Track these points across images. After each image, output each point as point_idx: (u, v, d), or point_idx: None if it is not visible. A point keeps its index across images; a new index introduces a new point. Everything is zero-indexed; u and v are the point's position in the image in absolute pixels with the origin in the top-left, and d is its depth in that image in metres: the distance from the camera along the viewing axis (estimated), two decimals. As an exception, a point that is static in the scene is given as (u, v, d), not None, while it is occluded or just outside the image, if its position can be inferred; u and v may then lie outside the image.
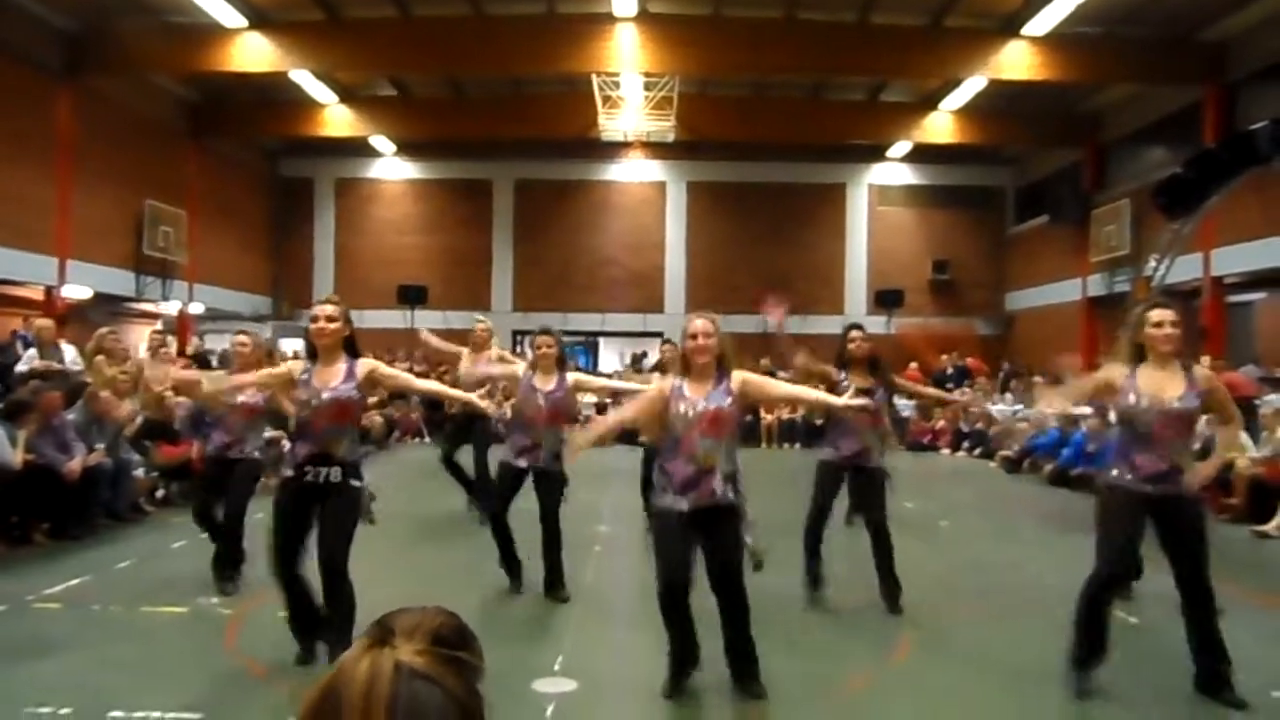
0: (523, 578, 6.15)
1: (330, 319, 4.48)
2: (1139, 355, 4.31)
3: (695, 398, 4.23)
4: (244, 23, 14.96)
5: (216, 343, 18.99)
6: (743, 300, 22.65)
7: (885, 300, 22.39)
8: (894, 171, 23.12)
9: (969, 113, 18.84)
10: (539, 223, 22.99)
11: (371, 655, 0.92)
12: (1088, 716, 4.14)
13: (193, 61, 15.90)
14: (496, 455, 8.18)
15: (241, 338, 6.54)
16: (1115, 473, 4.34)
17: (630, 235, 23.23)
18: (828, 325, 22.49)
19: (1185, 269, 14.38)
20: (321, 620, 4.50)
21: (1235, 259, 14.69)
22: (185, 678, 4.45)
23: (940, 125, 19.26)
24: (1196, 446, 5.23)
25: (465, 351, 8.97)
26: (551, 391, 6.04)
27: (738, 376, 4.33)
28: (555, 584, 6.03)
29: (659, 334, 22.41)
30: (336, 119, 19.57)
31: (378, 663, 0.91)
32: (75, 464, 7.54)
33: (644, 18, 15.30)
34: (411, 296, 21.26)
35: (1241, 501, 9.39)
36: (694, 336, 4.27)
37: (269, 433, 7.94)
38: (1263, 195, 12.77)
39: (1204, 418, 5.15)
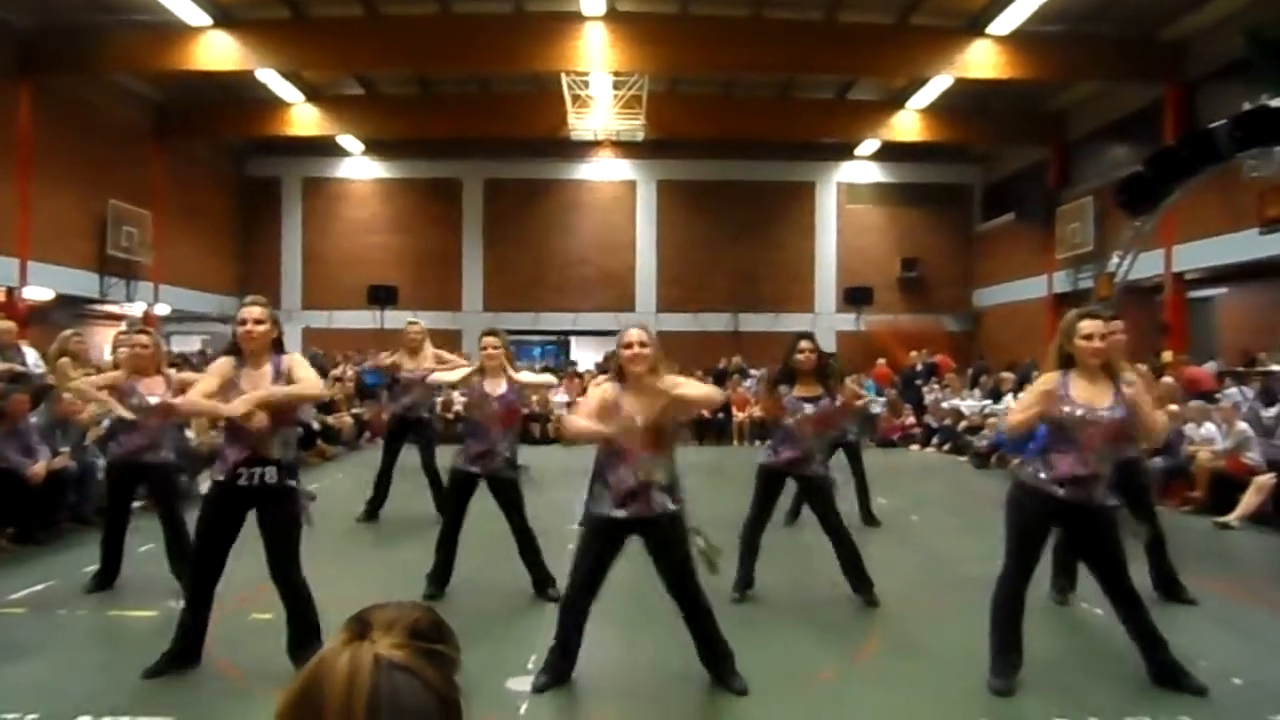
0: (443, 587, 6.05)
1: (258, 321, 4.45)
2: (1068, 363, 4.32)
3: (632, 409, 4.22)
4: (208, 21, 14.81)
5: (183, 345, 18.82)
6: (713, 299, 22.83)
7: (854, 298, 22.56)
8: (862, 170, 23.30)
9: (936, 111, 19.03)
10: (509, 222, 22.93)
11: (352, 649, 0.93)
12: (1050, 707, 4.21)
13: (156, 60, 15.72)
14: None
15: (142, 338, 6.12)
16: (1030, 469, 4.35)
17: (601, 234, 23.24)
18: (798, 323, 22.65)
19: (1147, 265, 14.61)
20: (196, 653, 4.46)
21: (1196, 255, 14.96)
22: (156, 681, 4.41)
23: (908, 124, 19.44)
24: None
25: (400, 354, 8.88)
26: (503, 395, 5.95)
27: (663, 390, 4.26)
28: (543, 584, 6.02)
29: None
30: (303, 118, 19.41)
31: (358, 656, 0.92)
32: (39, 467, 7.43)
33: (612, 17, 15.31)
34: (381, 297, 21.14)
35: (1203, 494, 9.55)
36: (629, 346, 4.23)
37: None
38: (1222, 193, 13.02)
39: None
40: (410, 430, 8.88)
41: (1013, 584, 4.41)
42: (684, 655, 4.76)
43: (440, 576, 6.00)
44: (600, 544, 4.31)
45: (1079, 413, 4.21)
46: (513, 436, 6.09)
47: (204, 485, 10.33)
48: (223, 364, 4.54)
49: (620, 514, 4.22)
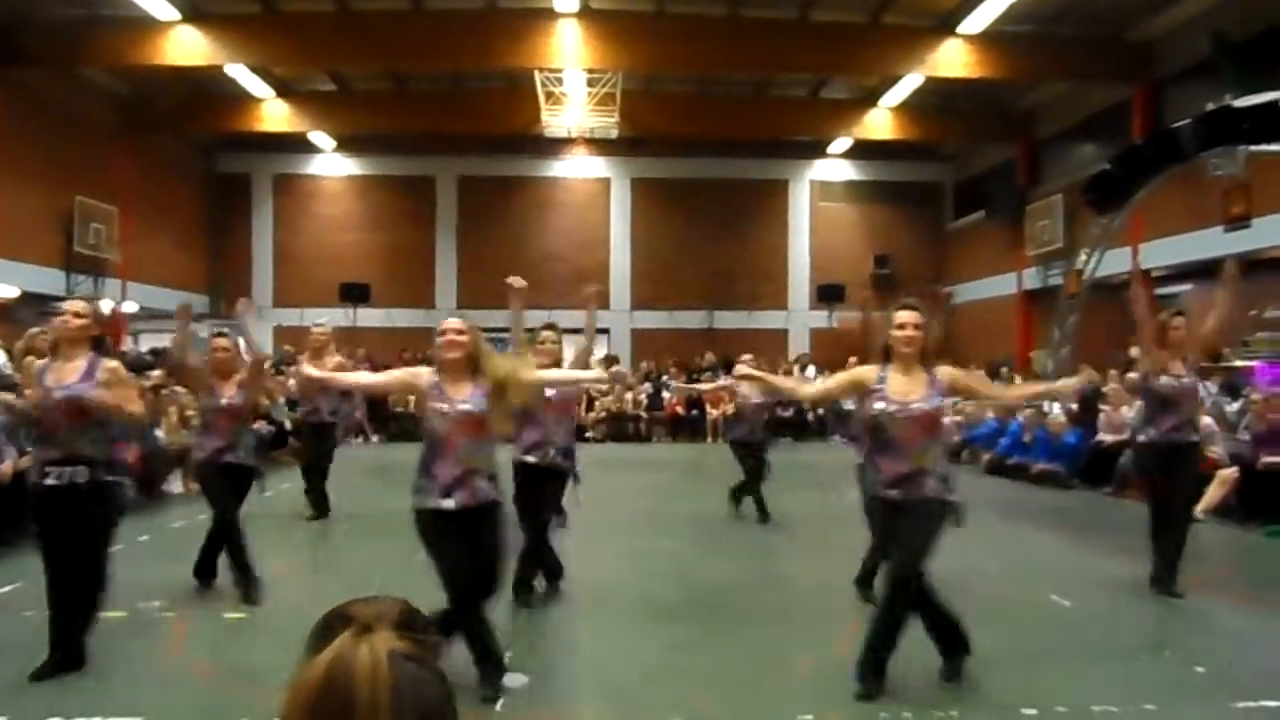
0: None
1: (77, 315, 4.54)
2: (888, 356, 4.36)
3: (456, 398, 4.23)
4: (177, 15, 14.64)
5: (153, 343, 18.60)
6: (687, 296, 22.87)
7: (827, 295, 22.69)
8: (835, 168, 23.43)
9: (907, 109, 19.17)
10: (483, 219, 22.84)
11: (367, 643, 0.94)
12: (1019, 697, 4.27)
13: (123, 55, 15.52)
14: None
15: (222, 340, 6.13)
16: (872, 478, 4.36)
17: (575, 232, 23.21)
18: (771, 320, 22.83)
19: (1115, 262, 14.80)
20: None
21: (1162, 252, 15.17)
22: (126, 682, 4.38)
23: (880, 122, 19.56)
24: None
25: (305, 357, 8.86)
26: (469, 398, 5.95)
27: (490, 370, 4.31)
28: (550, 576, 6.08)
29: (605, 330, 22.48)
30: (274, 114, 19.24)
31: (375, 650, 0.93)
32: (6, 467, 7.34)
33: (586, 13, 15.29)
34: (354, 294, 21.01)
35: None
36: (444, 333, 4.31)
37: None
38: (1187, 191, 13.22)
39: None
40: (314, 435, 8.93)
41: (897, 586, 4.37)
42: (660, 652, 4.79)
43: (549, 572, 6.08)
44: (440, 539, 4.21)
45: (892, 409, 4.23)
46: (568, 426, 6.11)
47: (174, 484, 10.29)
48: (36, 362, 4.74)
49: (448, 504, 4.19)
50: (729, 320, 22.68)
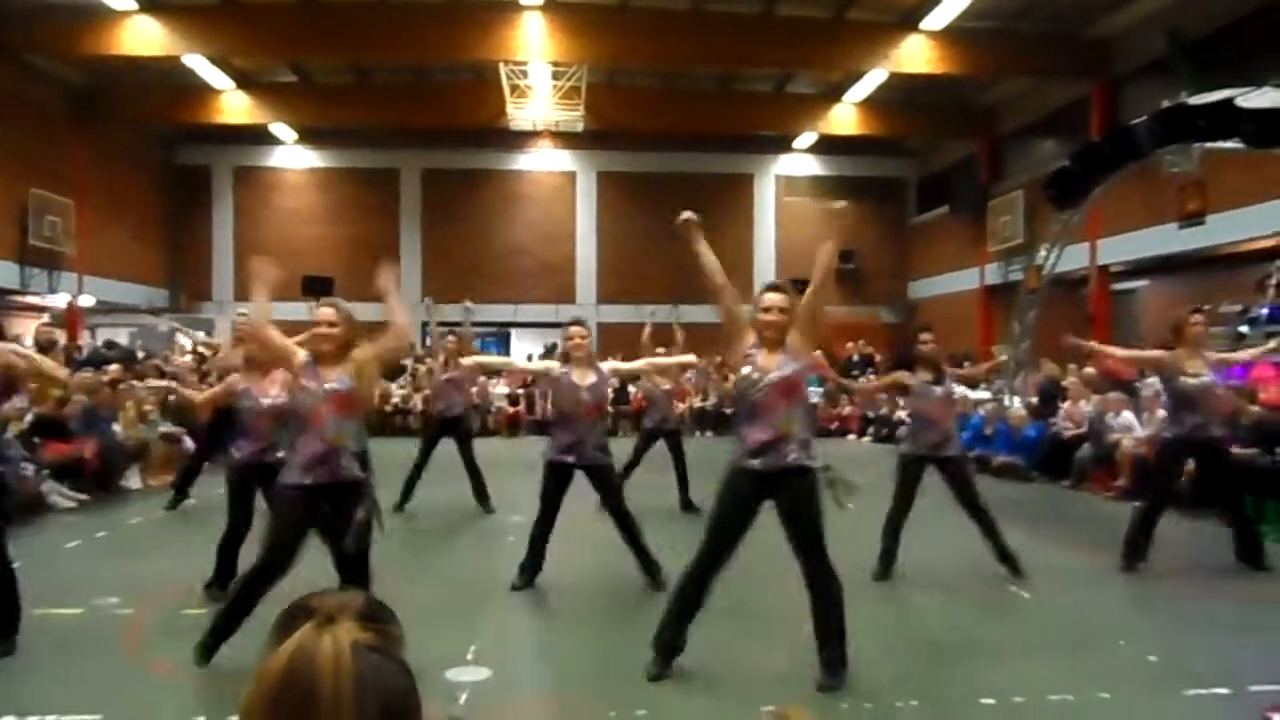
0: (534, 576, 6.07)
1: None
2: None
3: (326, 376, 4.32)
4: (133, 5, 14.39)
5: (110, 337, 18.29)
6: (653, 290, 22.84)
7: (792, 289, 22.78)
8: (800, 162, 23.54)
9: (871, 105, 19.30)
10: (448, 212, 22.70)
11: (329, 635, 0.94)
12: (978, 688, 4.33)
13: (78, 44, 15.22)
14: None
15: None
16: (736, 451, 4.35)
17: (541, 225, 23.13)
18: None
19: (1074, 258, 15.03)
20: None
21: (1120, 248, 15.43)
22: (83, 679, 4.31)
23: (844, 117, 19.69)
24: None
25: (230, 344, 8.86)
26: (593, 385, 5.96)
27: (357, 358, 4.39)
28: (651, 570, 6.03)
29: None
30: (234, 106, 18.97)
31: (337, 641, 0.93)
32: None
33: (551, 6, 15.23)
34: (317, 287, 20.68)
35: (1127, 480, 9.88)
36: (317, 323, 4.41)
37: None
38: (1144, 188, 13.44)
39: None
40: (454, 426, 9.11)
41: (703, 568, 4.39)
42: (627, 648, 4.80)
43: (533, 568, 6.05)
44: (294, 514, 4.27)
45: (755, 374, 4.27)
46: (602, 426, 6.10)
47: (132, 479, 10.14)
48: None
49: (308, 480, 4.23)
50: (695, 314, 22.58)
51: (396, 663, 0.97)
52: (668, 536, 7.25)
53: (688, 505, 8.98)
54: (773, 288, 4.48)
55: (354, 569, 4.28)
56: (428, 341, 22.55)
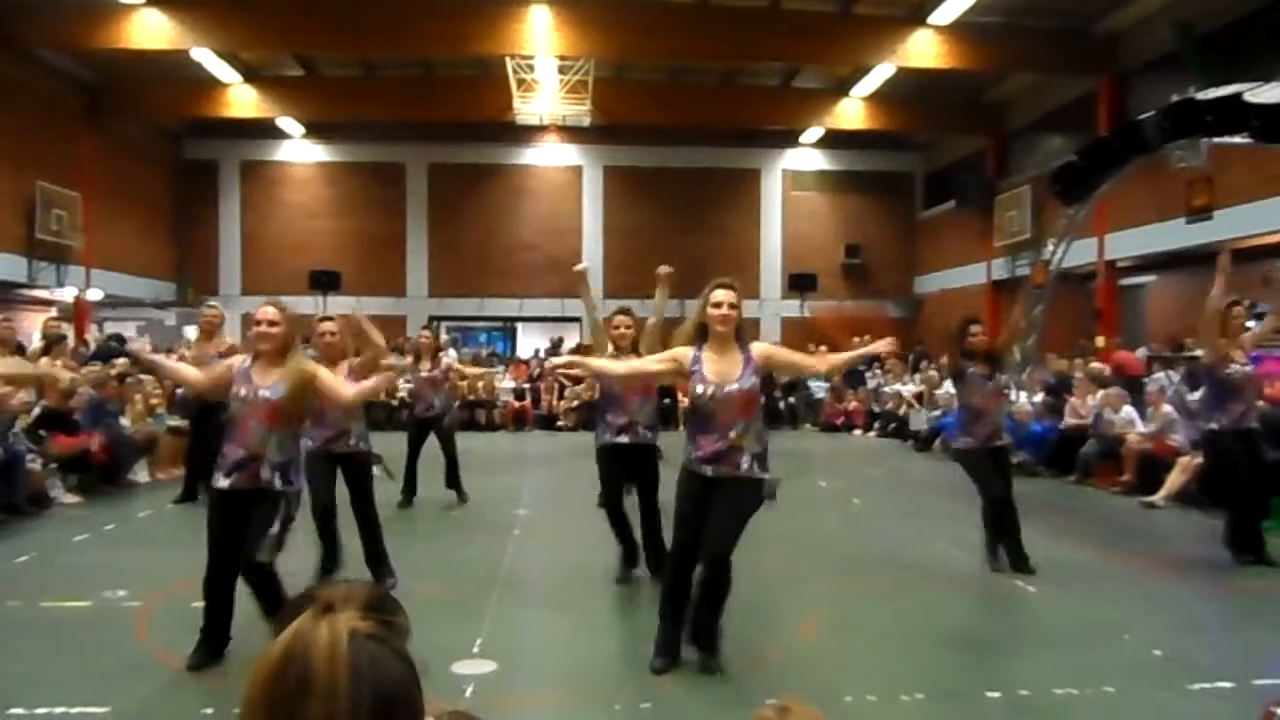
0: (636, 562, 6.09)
1: None
2: (702, 335, 4.40)
3: (258, 384, 4.31)
4: (141, -2, 14.41)
5: (119, 330, 18.34)
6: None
7: (799, 284, 22.78)
8: (807, 157, 23.49)
9: (879, 100, 19.24)
10: (454, 207, 22.71)
11: (327, 622, 0.95)
12: (982, 680, 4.34)
13: (86, 37, 15.25)
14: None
15: (329, 325, 5.99)
16: (689, 453, 4.40)
17: (547, 220, 23.12)
18: (745, 310, 22.75)
19: (1081, 253, 14.98)
20: None
21: (1127, 243, 15.39)
22: (90, 672, 4.34)
23: (851, 112, 19.63)
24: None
25: (198, 338, 8.91)
26: None
27: (293, 367, 4.36)
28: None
29: (577, 319, 22.44)
30: (241, 99, 18.98)
31: (334, 628, 0.94)
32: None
33: (557, 0, 15.21)
34: (324, 282, 20.82)
35: (1132, 475, 9.88)
36: (259, 323, 4.36)
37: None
38: (1151, 182, 13.39)
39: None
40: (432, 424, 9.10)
41: (678, 562, 4.47)
42: (632, 641, 4.82)
43: (628, 556, 6.08)
44: (213, 517, 4.37)
45: (710, 391, 4.28)
46: (651, 406, 6.09)
47: (140, 474, 10.18)
48: None
49: (224, 484, 4.32)
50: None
51: (396, 653, 0.98)
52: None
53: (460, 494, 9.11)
54: (723, 284, 4.43)
55: (254, 577, 4.26)
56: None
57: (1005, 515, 6.38)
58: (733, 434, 4.26)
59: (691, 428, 4.43)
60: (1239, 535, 6.54)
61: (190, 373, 5.02)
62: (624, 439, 5.93)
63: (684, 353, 4.41)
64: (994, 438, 6.44)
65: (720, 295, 4.36)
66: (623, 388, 5.92)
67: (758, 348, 4.48)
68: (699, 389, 4.30)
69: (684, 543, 4.39)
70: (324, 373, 4.59)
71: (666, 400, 18.39)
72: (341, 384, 4.83)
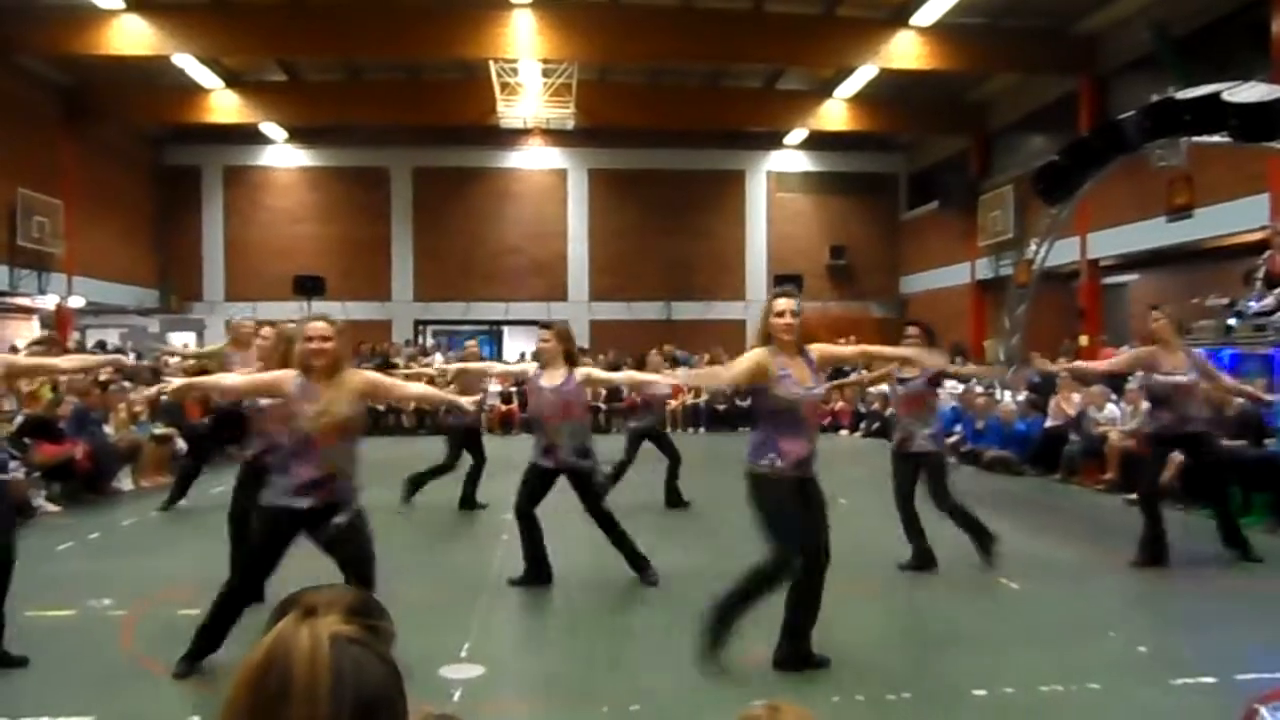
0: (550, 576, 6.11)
1: None
2: (768, 343, 4.43)
3: (325, 401, 4.21)
4: (121, 4, 14.33)
5: (101, 338, 18.24)
6: (645, 287, 22.90)
7: (784, 285, 22.80)
8: (791, 158, 23.56)
9: (862, 101, 19.32)
10: (439, 211, 22.66)
11: (308, 626, 0.95)
12: (969, 679, 4.36)
13: (66, 43, 15.17)
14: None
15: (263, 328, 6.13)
16: (765, 462, 4.34)
17: (532, 223, 23.11)
18: (730, 311, 22.91)
19: (1064, 252, 15.08)
20: None
21: (1109, 242, 15.50)
22: (76, 680, 4.32)
23: (835, 113, 19.70)
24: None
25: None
26: (560, 386, 5.93)
27: (349, 380, 4.33)
28: (638, 566, 6.09)
29: (563, 322, 22.34)
30: (223, 105, 18.89)
31: (315, 632, 0.95)
32: None
33: (540, 4, 15.22)
34: (308, 287, 20.72)
35: (1115, 473, 9.94)
36: (310, 339, 4.26)
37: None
38: (1132, 182, 13.49)
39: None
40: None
41: (808, 570, 4.39)
42: (616, 641, 4.82)
43: (538, 571, 6.11)
44: (277, 534, 4.28)
45: (800, 394, 4.32)
46: (576, 426, 6.00)
47: (124, 482, 10.11)
48: None
49: (304, 504, 4.20)
50: (687, 311, 22.74)
51: (379, 657, 0.98)
52: (659, 534, 7.29)
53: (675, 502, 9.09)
54: (784, 294, 4.50)
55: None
56: (424, 343, 22.60)
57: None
58: (814, 438, 4.41)
59: (769, 432, 4.36)
60: (1155, 542, 6.51)
61: (232, 381, 4.99)
62: (547, 462, 5.93)
63: (767, 358, 4.37)
64: (907, 443, 6.54)
65: (782, 304, 4.42)
66: (548, 413, 5.92)
67: (815, 350, 4.53)
68: (794, 392, 4.31)
69: (815, 550, 4.38)
70: (377, 376, 4.71)
71: (669, 404, 18.47)
72: (399, 383, 5.19)
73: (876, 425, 16.10)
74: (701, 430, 17.61)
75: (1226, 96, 8.96)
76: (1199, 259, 14.68)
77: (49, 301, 17.76)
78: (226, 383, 5.00)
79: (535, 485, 6.03)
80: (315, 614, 0.97)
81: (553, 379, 5.96)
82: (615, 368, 19.89)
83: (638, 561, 6.08)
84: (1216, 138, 9.73)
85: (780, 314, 4.39)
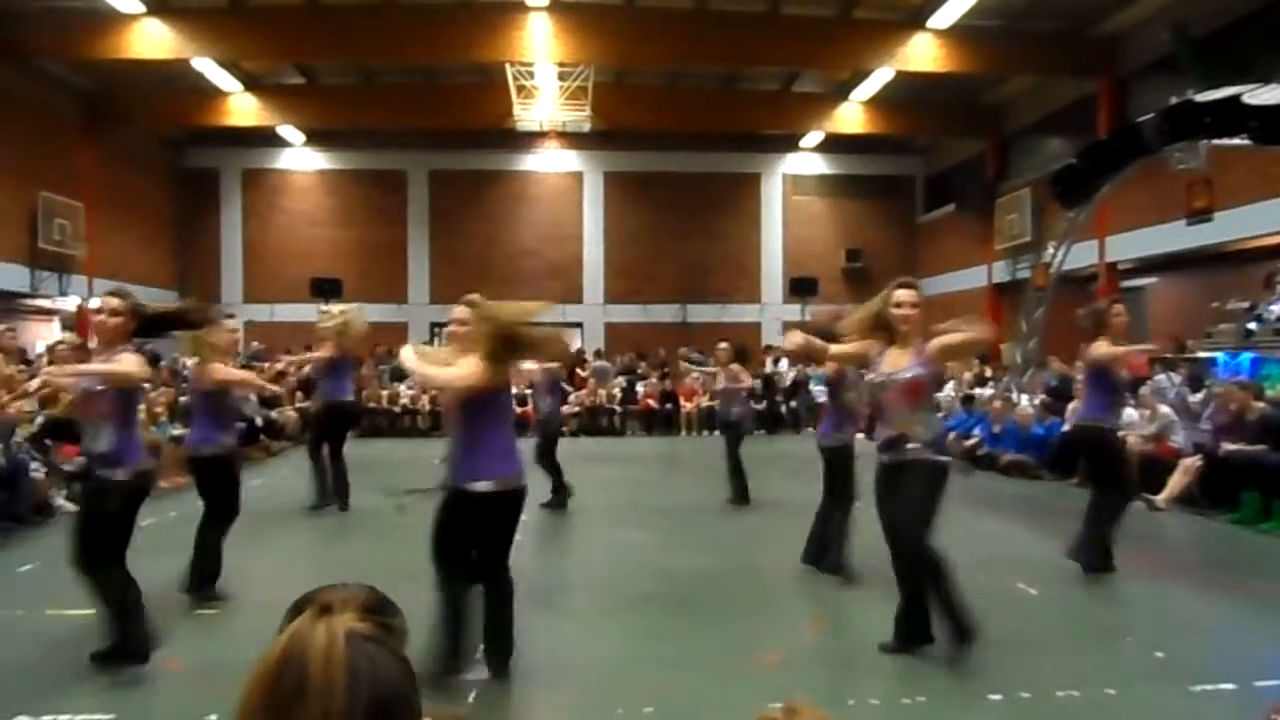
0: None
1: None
2: (883, 329, 4.58)
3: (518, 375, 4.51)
4: (141, 8, 14.46)
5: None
6: (661, 290, 22.90)
7: (800, 288, 22.77)
8: (807, 161, 23.51)
9: (878, 103, 19.27)
10: (455, 214, 22.75)
11: (324, 624, 0.96)
12: (985, 683, 4.35)
13: (87, 48, 15.29)
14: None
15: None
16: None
17: (548, 226, 23.16)
18: (745, 314, 22.90)
19: (1082, 255, 14.98)
20: None
21: (1128, 245, 15.39)
22: (96, 680, 4.35)
23: (851, 116, 19.65)
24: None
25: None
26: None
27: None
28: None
29: (578, 324, 22.47)
30: (242, 108, 19.03)
31: (331, 630, 0.96)
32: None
33: (556, 7, 15.26)
34: (325, 289, 20.85)
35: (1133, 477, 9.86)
36: (455, 323, 4.57)
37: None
38: (1151, 185, 13.40)
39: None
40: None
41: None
42: (630, 642, 4.83)
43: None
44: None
45: (878, 380, 4.55)
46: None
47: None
48: None
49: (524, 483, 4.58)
50: (702, 314, 22.73)
51: (394, 655, 0.99)
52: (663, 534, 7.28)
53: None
54: (905, 284, 4.64)
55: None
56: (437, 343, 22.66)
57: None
58: (898, 421, 4.48)
59: (874, 419, 4.67)
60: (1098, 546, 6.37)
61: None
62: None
63: (874, 345, 4.63)
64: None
65: (902, 295, 4.57)
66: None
67: (935, 341, 4.62)
68: (870, 377, 4.60)
69: (885, 529, 4.65)
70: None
71: (668, 405, 18.46)
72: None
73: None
74: (715, 433, 17.55)
75: (1247, 99, 8.89)
76: (1219, 262, 14.57)
77: (70, 303, 17.92)
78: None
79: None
80: (331, 611, 0.98)
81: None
82: (630, 370, 20.02)
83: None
84: (1236, 140, 9.66)
85: (899, 304, 4.52)
